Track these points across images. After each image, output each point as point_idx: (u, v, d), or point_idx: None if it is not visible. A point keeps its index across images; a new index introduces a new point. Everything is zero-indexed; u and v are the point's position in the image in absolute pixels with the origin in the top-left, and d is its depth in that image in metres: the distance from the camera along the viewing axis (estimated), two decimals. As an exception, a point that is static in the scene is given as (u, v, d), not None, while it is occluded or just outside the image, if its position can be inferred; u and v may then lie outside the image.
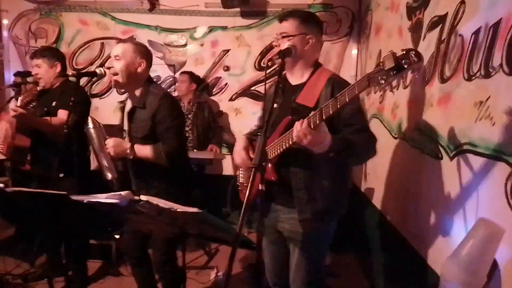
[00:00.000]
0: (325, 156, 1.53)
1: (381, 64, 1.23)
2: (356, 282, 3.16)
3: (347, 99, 1.34)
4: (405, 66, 1.18)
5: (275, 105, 1.83)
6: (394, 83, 2.55)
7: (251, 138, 1.97)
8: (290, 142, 1.58)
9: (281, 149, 1.65)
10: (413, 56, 1.17)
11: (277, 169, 1.75)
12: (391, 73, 1.20)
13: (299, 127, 1.44)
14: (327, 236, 1.86)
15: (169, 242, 2.22)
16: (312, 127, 1.43)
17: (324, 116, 1.40)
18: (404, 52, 1.19)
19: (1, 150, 2.83)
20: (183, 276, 1.69)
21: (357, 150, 1.61)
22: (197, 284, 3.00)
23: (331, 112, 1.38)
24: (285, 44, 1.74)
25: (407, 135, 2.26)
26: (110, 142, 2.07)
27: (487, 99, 1.41)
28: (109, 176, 2.12)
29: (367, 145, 1.66)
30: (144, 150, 2.08)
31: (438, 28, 1.90)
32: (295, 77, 1.85)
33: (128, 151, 2.07)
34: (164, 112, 2.08)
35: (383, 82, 1.23)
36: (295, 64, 1.81)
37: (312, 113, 1.44)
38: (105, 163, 2.11)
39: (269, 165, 1.73)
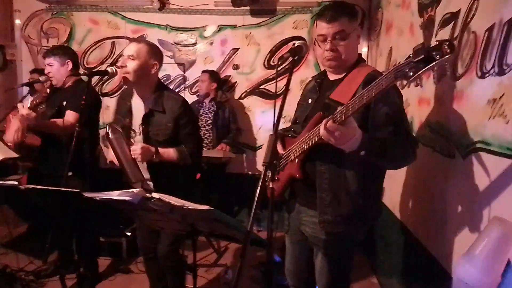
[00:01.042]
0: (355, 155, 1.44)
1: (411, 55, 1.17)
2: (366, 281, 3.14)
3: (373, 94, 1.26)
4: (437, 58, 1.11)
5: (309, 101, 1.79)
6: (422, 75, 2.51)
7: (283, 134, 1.89)
8: (316, 139, 1.51)
9: (308, 146, 1.58)
10: (446, 47, 1.09)
11: (302, 167, 1.68)
12: (421, 65, 1.14)
13: (324, 125, 1.37)
14: (352, 244, 1.76)
15: (173, 235, 2.23)
16: (337, 123, 1.35)
17: (350, 112, 1.32)
18: (437, 42, 1.11)
19: (10, 144, 2.86)
20: (194, 273, 1.70)
21: (391, 153, 1.48)
22: (206, 282, 3.02)
23: (357, 108, 1.30)
24: (341, 46, 1.62)
25: (419, 133, 2.24)
26: (138, 149, 2.06)
27: (501, 97, 1.39)
28: (135, 179, 2.13)
29: (404, 148, 1.52)
30: (169, 153, 2.13)
31: (450, 25, 1.88)
32: (335, 72, 1.74)
33: (154, 155, 2.09)
34: (187, 118, 2.16)
35: (411, 74, 1.16)
36: (340, 66, 1.69)
37: (339, 109, 1.37)
38: (129, 168, 2.13)
39: (296, 161, 1.68)
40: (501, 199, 1.39)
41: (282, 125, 1.64)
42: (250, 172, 4.36)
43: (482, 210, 1.49)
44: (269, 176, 1.34)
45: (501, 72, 1.40)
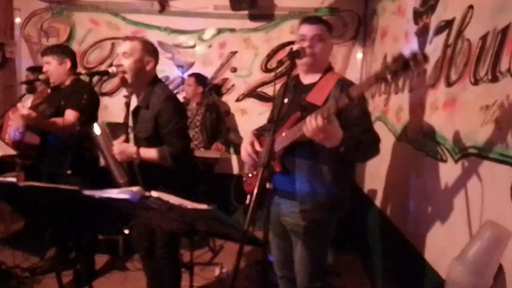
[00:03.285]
0: (335, 150, 1.60)
1: (389, 62, 1.31)
2: (358, 282, 3.17)
3: (355, 94, 1.43)
4: (411, 65, 1.27)
5: (285, 100, 1.91)
6: (400, 85, 2.58)
7: (258, 133, 2.06)
8: (297, 136, 1.68)
9: (288, 143, 1.74)
10: (420, 57, 1.26)
11: (282, 161, 1.84)
12: (399, 72, 1.29)
13: (314, 123, 1.49)
14: (328, 231, 1.92)
15: (171, 234, 2.21)
16: (324, 119, 1.49)
17: (333, 110, 1.48)
18: (412, 53, 1.27)
19: (8, 142, 2.88)
20: (190, 272, 1.71)
21: (364, 148, 1.70)
22: (201, 281, 3.03)
23: (340, 106, 1.46)
24: (318, 47, 1.83)
25: (412, 138, 2.28)
26: (116, 149, 2.09)
27: (494, 103, 1.42)
28: (120, 180, 2.14)
29: (373, 144, 1.77)
30: (150, 153, 2.08)
31: (445, 33, 1.91)
32: (308, 78, 1.93)
33: (134, 155, 2.08)
34: (167, 115, 2.07)
35: (389, 79, 1.32)
36: (313, 66, 1.88)
37: (323, 107, 1.53)
38: (113, 167, 2.14)
39: (276, 156, 1.81)
40: (492, 204, 1.41)
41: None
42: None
43: (474, 214, 1.52)
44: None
45: (495, 79, 1.43)
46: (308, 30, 1.84)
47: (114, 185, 2.17)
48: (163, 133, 2.09)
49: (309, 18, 1.89)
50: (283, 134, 1.78)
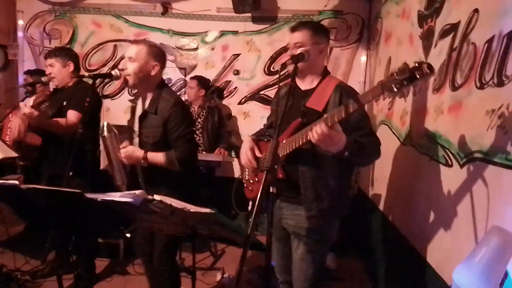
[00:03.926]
0: (340, 155, 1.63)
1: (395, 73, 1.30)
2: (360, 287, 3.15)
3: (359, 104, 1.45)
4: (418, 77, 1.26)
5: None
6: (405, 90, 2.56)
7: (257, 139, 2.06)
8: (300, 143, 1.68)
9: (290, 149, 1.74)
10: (425, 68, 1.25)
11: (284, 168, 1.85)
12: (404, 82, 1.28)
13: (319, 129, 1.52)
14: (330, 233, 1.94)
15: (169, 239, 2.20)
16: (329, 126, 1.52)
17: (337, 119, 1.50)
18: (417, 64, 1.26)
19: (8, 142, 2.87)
20: (192, 276, 1.70)
21: (367, 151, 1.73)
22: (203, 285, 3.01)
23: (343, 116, 1.48)
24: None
25: (416, 142, 2.27)
26: (123, 152, 2.11)
27: (500, 107, 1.41)
28: (119, 181, 2.14)
29: (375, 147, 1.79)
30: (157, 158, 2.09)
31: (450, 36, 1.90)
32: (305, 83, 1.94)
33: (142, 159, 2.09)
34: (176, 120, 2.09)
35: (396, 90, 1.31)
36: (307, 71, 1.89)
37: (328, 114, 1.54)
38: (116, 169, 2.14)
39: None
40: (498, 209, 1.40)
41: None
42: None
43: (480, 219, 1.51)
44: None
45: (500, 83, 1.42)
46: (290, 38, 1.86)
47: (115, 187, 2.16)
48: (171, 138, 2.10)
49: (292, 27, 1.90)
50: (284, 141, 1.78)
